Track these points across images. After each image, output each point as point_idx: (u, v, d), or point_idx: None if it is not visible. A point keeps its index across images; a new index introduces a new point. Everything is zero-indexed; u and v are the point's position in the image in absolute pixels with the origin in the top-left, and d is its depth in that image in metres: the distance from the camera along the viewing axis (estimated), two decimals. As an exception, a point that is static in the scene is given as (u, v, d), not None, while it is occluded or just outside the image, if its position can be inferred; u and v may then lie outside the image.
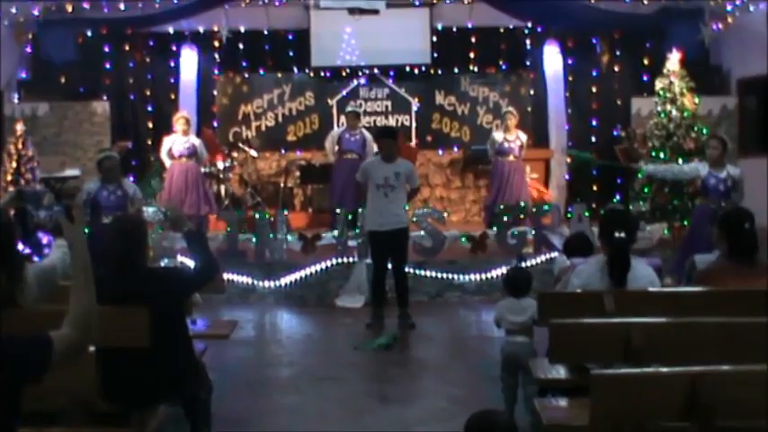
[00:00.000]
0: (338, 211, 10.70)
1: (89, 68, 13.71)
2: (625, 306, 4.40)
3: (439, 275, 10.29)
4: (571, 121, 14.17)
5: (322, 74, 14.62)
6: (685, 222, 10.90)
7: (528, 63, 14.55)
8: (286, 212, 11.16)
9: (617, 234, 4.62)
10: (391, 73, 14.61)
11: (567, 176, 13.98)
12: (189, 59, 14.12)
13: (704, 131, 11.75)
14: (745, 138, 13.05)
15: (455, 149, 14.58)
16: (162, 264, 9.26)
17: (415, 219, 10.14)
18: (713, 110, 13.21)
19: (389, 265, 8.89)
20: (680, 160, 11.15)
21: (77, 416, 4.12)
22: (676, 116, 11.85)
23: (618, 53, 14.09)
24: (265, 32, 14.25)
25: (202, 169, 12.20)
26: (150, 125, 14.01)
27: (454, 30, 14.39)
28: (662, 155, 11.71)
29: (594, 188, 13.72)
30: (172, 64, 14.17)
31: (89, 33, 13.64)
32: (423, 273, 10.19)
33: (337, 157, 12.28)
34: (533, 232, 10.72)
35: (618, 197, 13.16)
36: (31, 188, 11.12)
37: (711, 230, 5.14)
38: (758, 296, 4.40)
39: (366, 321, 8.90)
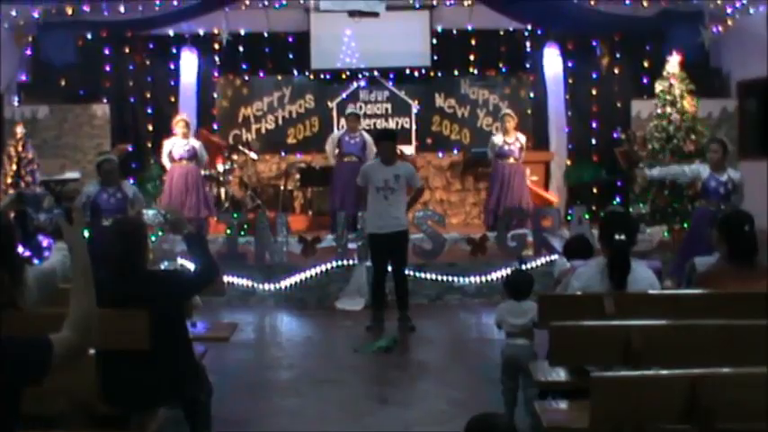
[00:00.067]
0: (338, 213, 10.69)
1: (89, 71, 13.71)
2: (625, 308, 4.40)
3: (439, 278, 10.29)
4: (571, 123, 14.17)
5: (322, 76, 14.63)
6: (685, 225, 10.90)
7: (528, 65, 14.55)
8: (286, 215, 11.15)
9: (617, 236, 4.62)
10: (391, 75, 14.61)
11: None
12: (189, 62, 14.12)
13: (704, 134, 11.75)
14: (745, 140, 13.06)
15: (455, 152, 14.58)
16: (162, 266, 9.29)
17: (415, 221, 10.14)
18: (713, 112, 13.22)
19: (389, 268, 8.90)
20: (680, 162, 11.14)
21: (77, 418, 4.11)
22: (676, 119, 11.86)
23: (618, 56, 14.10)
24: (265, 35, 14.26)
25: (203, 172, 12.20)
26: (150, 128, 14.00)
27: (454, 32, 14.40)
28: (662, 157, 11.70)
29: (594, 190, 13.72)
30: (172, 66, 14.17)
31: (89, 36, 13.65)
32: (423, 275, 10.19)
33: (337, 160, 12.28)
34: (533, 235, 10.72)
35: (618, 199, 13.16)
36: (31, 191, 11.12)
37: (711, 233, 5.14)
38: (758, 299, 4.40)
39: (366, 324, 8.90)
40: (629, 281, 4.64)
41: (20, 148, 11.56)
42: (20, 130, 11.72)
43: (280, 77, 14.71)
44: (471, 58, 14.44)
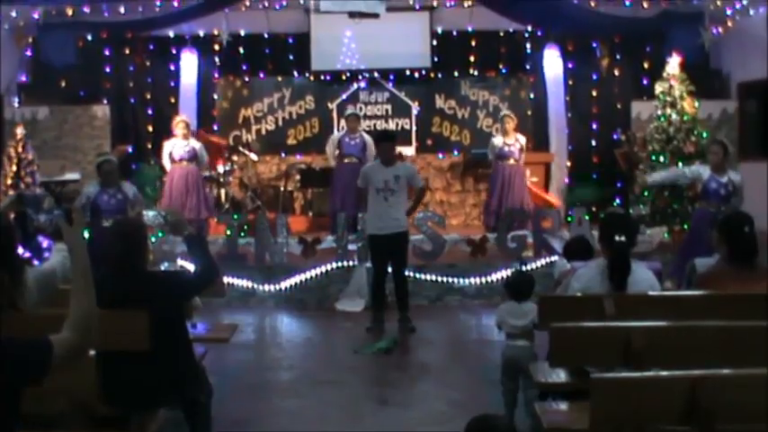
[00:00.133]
0: (338, 214, 10.69)
1: (89, 72, 13.72)
2: (625, 309, 4.39)
3: (439, 279, 10.28)
4: (571, 124, 14.17)
5: (322, 77, 14.65)
6: (685, 226, 10.90)
7: (528, 67, 14.56)
8: (286, 216, 11.15)
9: (617, 238, 4.62)
10: (391, 77, 14.63)
11: (566, 180, 13.98)
12: (189, 63, 14.13)
13: (704, 135, 11.76)
14: (745, 141, 13.06)
15: (455, 153, 14.59)
16: (162, 267, 9.29)
17: (415, 223, 10.14)
18: (713, 113, 13.22)
19: (389, 269, 8.90)
20: (680, 164, 11.14)
21: (77, 419, 4.11)
22: (676, 120, 11.86)
23: (618, 57, 14.10)
24: (265, 36, 14.28)
25: (204, 173, 12.21)
26: (150, 129, 14.02)
27: (454, 33, 14.42)
28: (662, 158, 11.70)
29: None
30: (172, 67, 14.19)
31: (89, 37, 13.66)
32: (423, 276, 10.19)
33: (337, 162, 12.28)
34: (533, 236, 10.71)
35: (618, 201, 13.17)
36: (32, 192, 11.13)
37: (711, 234, 5.14)
38: (758, 300, 4.40)
39: (366, 325, 8.89)
40: (629, 282, 4.63)
41: (20, 149, 11.55)
42: (20, 131, 11.72)
43: (280, 78, 14.73)
44: (471, 59, 14.46)
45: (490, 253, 10.74)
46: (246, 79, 14.72)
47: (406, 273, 9.11)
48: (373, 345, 8.10)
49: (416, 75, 14.60)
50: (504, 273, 9.96)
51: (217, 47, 13.97)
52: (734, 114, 13.39)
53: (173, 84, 14.18)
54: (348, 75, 14.56)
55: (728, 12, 12.93)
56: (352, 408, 6.29)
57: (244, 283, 10.19)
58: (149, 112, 14.12)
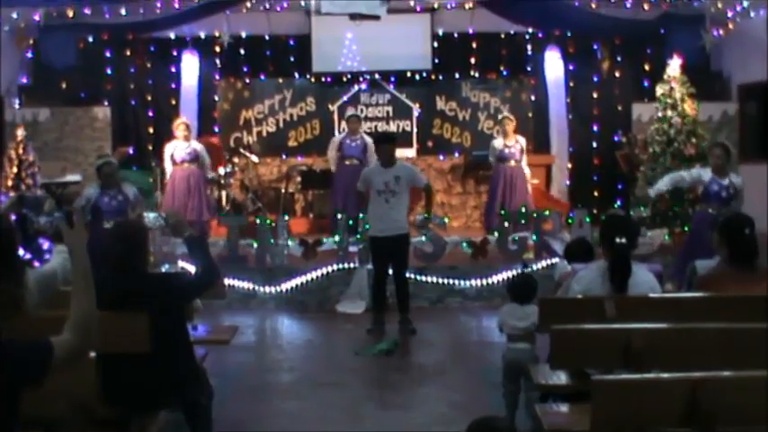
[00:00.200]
0: (339, 216, 10.69)
1: (90, 74, 13.72)
2: (626, 312, 4.40)
3: (440, 281, 10.28)
4: (572, 126, 14.18)
5: (323, 79, 14.65)
6: (686, 228, 10.89)
7: (529, 69, 14.56)
8: (287, 218, 11.15)
9: (618, 240, 4.62)
10: (392, 78, 14.63)
11: (567, 182, 13.99)
12: (190, 65, 14.15)
13: (705, 137, 11.75)
14: (745, 144, 13.06)
15: (456, 155, 14.58)
16: (163, 269, 9.28)
17: (415, 224, 10.14)
18: (714, 116, 13.22)
19: (390, 271, 8.90)
20: (681, 166, 11.14)
21: (77, 421, 4.11)
22: (677, 122, 11.85)
23: (619, 59, 14.10)
24: (266, 38, 14.27)
25: (209, 175, 12.25)
26: (151, 130, 14.02)
27: (455, 35, 14.42)
28: (662, 160, 11.70)
29: (595, 194, 13.72)
30: (173, 69, 14.19)
31: (90, 39, 13.65)
32: (423, 278, 10.18)
33: (338, 164, 12.28)
34: (534, 238, 10.71)
35: (619, 203, 13.17)
36: (32, 193, 11.13)
37: (712, 236, 5.15)
38: (758, 302, 4.40)
39: (367, 327, 8.89)
40: (629, 284, 4.64)
41: (21, 151, 11.57)
42: (21, 132, 11.73)
43: (281, 80, 14.73)
44: (472, 61, 14.46)
45: (491, 255, 10.73)
46: (247, 81, 14.72)
47: (407, 274, 9.11)
48: (374, 346, 8.09)
49: (417, 76, 14.59)
50: (505, 275, 9.96)
51: (218, 48, 13.97)
52: (734, 116, 13.39)
53: (173, 85, 14.19)
54: (349, 76, 14.56)
55: (729, 14, 12.92)
56: (352, 409, 6.29)
57: (244, 284, 10.19)
58: (150, 113, 14.12)
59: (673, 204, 11.60)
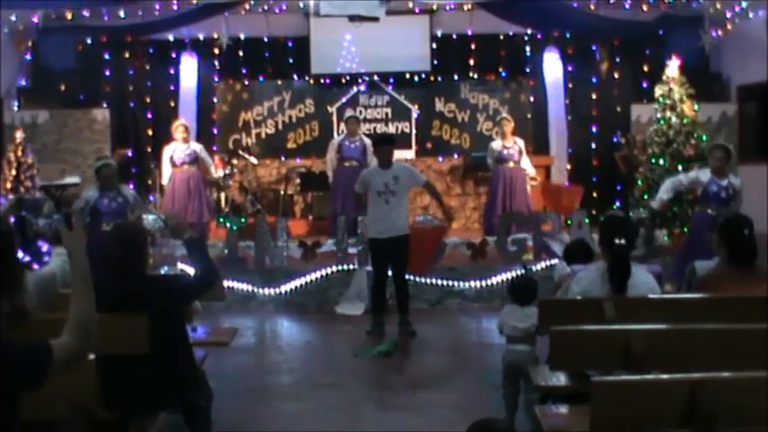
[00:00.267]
0: (338, 218, 10.69)
1: (89, 76, 13.72)
2: (625, 313, 4.40)
3: (439, 282, 10.28)
4: (571, 127, 14.19)
5: (322, 81, 14.65)
6: (685, 229, 10.89)
7: (528, 70, 14.57)
8: (286, 220, 11.15)
9: (617, 241, 4.62)
10: (391, 80, 14.63)
11: (567, 183, 13.98)
12: (189, 67, 14.15)
13: (704, 138, 11.75)
14: (744, 144, 13.04)
15: (455, 156, 14.58)
16: (162, 271, 9.29)
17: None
18: (713, 117, 13.21)
19: (390, 273, 8.90)
20: (680, 167, 11.14)
21: (77, 423, 4.11)
22: (676, 123, 11.84)
23: (618, 60, 14.10)
24: (265, 40, 14.26)
25: (214, 173, 12.27)
26: (150, 132, 14.02)
27: (454, 37, 14.42)
28: (662, 161, 11.70)
29: (595, 195, 13.71)
30: (172, 71, 14.20)
31: (89, 41, 13.65)
32: (423, 280, 10.18)
33: (338, 165, 12.28)
34: (533, 239, 10.71)
35: (618, 204, 13.16)
36: (31, 196, 11.12)
37: (711, 237, 5.15)
38: (758, 302, 4.40)
39: (366, 329, 8.89)
40: (629, 285, 4.64)
41: (19, 153, 11.55)
42: (20, 134, 11.72)
43: (280, 82, 14.73)
44: (471, 62, 14.47)
45: (490, 256, 10.73)
46: (246, 83, 14.73)
47: (407, 276, 9.11)
48: (373, 348, 8.09)
49: (416, 78, 14.59)
50: (505, 276, 9.97)
51: (216, 50, 13.96)
52: (734, 117, 13.38)
53: (172, 87, 14.19)
54: (348, 78, 14.56)
55: (728, 15, 12.91)
56: (352, 411, 6.29)
57: (244, 286, 10.18)
58: (149, 115, 14.12)
59: (672, 205, 11.58)
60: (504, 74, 14.63)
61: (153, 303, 4.33)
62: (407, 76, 14.58)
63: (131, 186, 10.80)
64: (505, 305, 6.00)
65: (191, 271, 5.10)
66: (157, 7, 12.88)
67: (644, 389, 3.32)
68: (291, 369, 7.67)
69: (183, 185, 11.59)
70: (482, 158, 13.02)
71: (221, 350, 6.52)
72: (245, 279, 10.21)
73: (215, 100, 14.62)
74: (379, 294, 8.96)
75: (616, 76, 14.11)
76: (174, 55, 14.16)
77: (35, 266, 5.07)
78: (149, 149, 13.69)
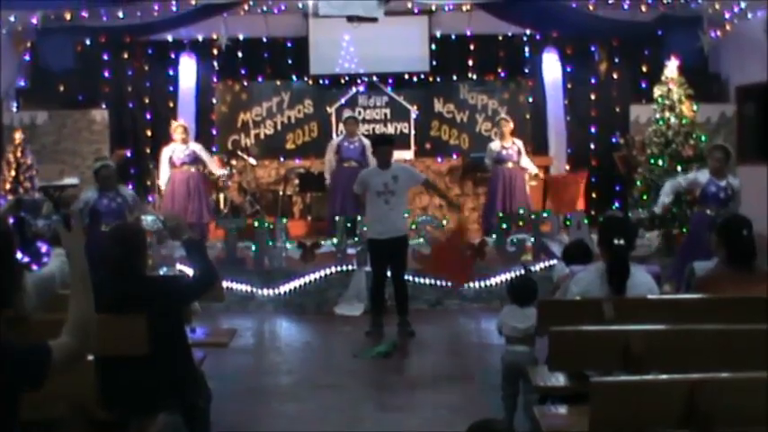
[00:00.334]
0: (337, 218, 10.69)
1: (88, 77, 13.72)
2: (624, 313, 4.40)
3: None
4: (570, 128, 14.20)
5: (321, 82, 14.66)
6: (684, 230, 10.89)
7: (527, 70, 14.58)
8: (285, 220, 11.15)
9: (616, 241, 4.62)
10: (390, 81, 14.64)
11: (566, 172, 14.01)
12: (188, 67, 14.16)
13: (703, 139, 11.75)
14: (743, 145, 13.04)
15: (454, 157, 14.57)
16: (161, 272, 9.29)
17: (413, 226, 10.14)
18: (712, 117, 13.21)
19: (389, 273, 8.90)
20: (678, 167, 11.14)
21: (76, 424, 4.10)
22: (675, 123, 11.83)
23: (616, 60, 14.11)
24: (264, 40, 14.26)
25: (216, 172, 12.28)
26: (149, 133, 14.03)
27: (453, 37, 14.42)
28: (660, 162, 11.70)
29: (593, 195, 13.72)
30: (171, 72, 14.21)
31: (88, 42, 13.65)
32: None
33: (337, 166, 12.28)
34: (532, 239, 10.71)
35: (617, 204, 13.16)
36: (30, 197, 11.11)
37: (710, 237, 5.14)
38: (757, 303, 4.40)
39: (365, 329, 8.88)
40: (628, 286, 4.64)
41: (18, 154, 11.55)
42: (18, 135, 11.71)
43: (278, 83, 14.73)
44: (470, 63, 14.47)
45: (489, 257, 10.72)
46: (245, 83, 14.73)
47: (406, 277, 9.12)
48: (372, 349, 8.09)
49: (415, 79, 14.60)
50: (504, 277, 9.97)
51: (215, 51, 13.98)
52: (732, 118, 13.38)
53: (171, 88, 14.21)
54: (347, 79, 14.56)
55: (727, 15, 12.92)
56: (351, 412, 6.29)
57: (243, 287, 10.18)
58: (148, 116, 14.12)
59: (671, 207, 11.58)
60: (502, 74, 14.63)
61: (152, 304, 4.33)
62: (406, 76, 14.58)
63: (130, 187, 10.77)
64: (505, 306, 6.00)
65: (189, 272, 5.09)
66: (156, 8, 12.89)
67: (643, 389, 3.32)
68: (290, 370, 7.67)
69: (183, 186, 11.60)
70: (481, 159, 13.02)
71: (220, 351, 6.51)
72: (244, 280, 10.21)
73: (214, 101, 14.63)
74: (378, 295, 8.96)
75: (615, 76, 14.12)
76: (172, 56, 14.17)
77: (34, 267, 5.07)
78: (148, 150, 13.71)
